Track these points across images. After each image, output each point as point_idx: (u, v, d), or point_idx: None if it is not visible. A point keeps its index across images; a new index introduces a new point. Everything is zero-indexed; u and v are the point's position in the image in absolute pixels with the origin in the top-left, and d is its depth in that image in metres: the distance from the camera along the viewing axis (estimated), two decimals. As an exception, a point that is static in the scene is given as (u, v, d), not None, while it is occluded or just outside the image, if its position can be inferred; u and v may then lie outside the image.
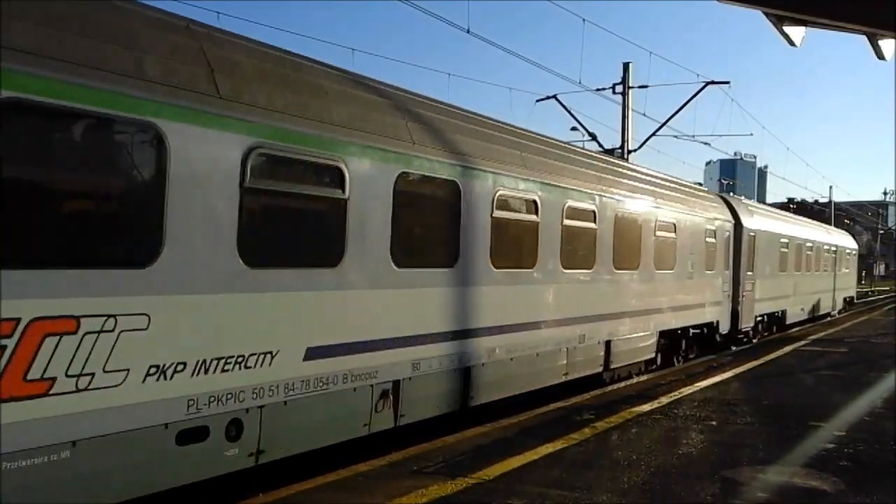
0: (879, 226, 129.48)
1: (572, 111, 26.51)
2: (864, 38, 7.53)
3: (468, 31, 17.11)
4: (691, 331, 17.58)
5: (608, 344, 13.28)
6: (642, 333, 14.65)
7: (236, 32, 7.39)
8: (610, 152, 23.95)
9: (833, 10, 7.16)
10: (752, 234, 21.40)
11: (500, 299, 10.20)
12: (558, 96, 25.64)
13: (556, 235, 11.46)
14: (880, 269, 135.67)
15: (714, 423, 10.42)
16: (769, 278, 23.29)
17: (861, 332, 26.65)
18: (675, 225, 16.00)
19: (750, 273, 21.11)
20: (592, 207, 12.57)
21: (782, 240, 25.22)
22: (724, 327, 19.54)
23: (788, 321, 26.55)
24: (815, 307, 30.96)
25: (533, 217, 10.95)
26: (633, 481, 7.47)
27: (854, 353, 19.76)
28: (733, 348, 20.57)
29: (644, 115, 26.43)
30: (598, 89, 25.74)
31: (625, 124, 25.70)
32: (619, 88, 25.84)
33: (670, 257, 15.81)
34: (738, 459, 8.42)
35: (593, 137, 26.51)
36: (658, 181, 16.33)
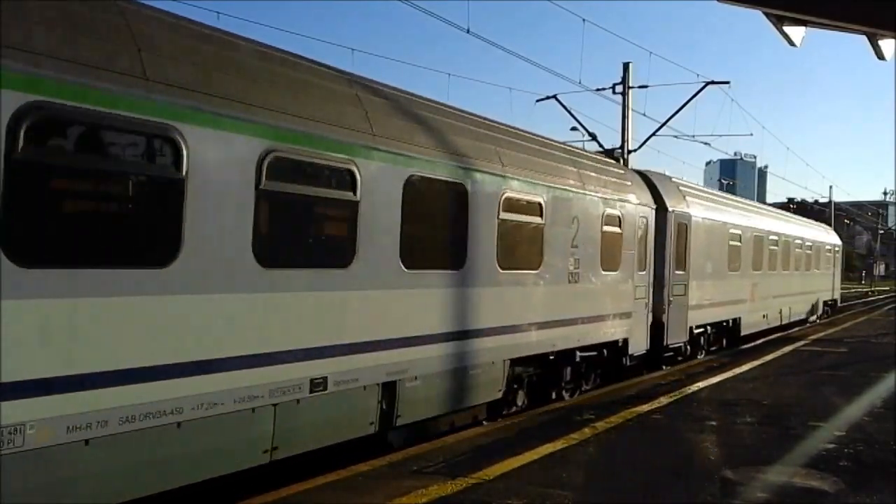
0: (879, 226, 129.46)
1: (572, 111, 26.50)
2: (864, 38, 7.53)
3: (468, 31, 17.13)
4: (580, 354, 12.56)
5: (388, 388, 8.42)
6: (472, 363, 9.81)
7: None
8: (610, 152, 23.94)
9: (833, 10, 7.16)
10: (683, 222, 16.97)
11: None
12: (558, 96, 25.60)
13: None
14: (880, 269, 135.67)
15: (714, 423, 10.42)
16: (713, 279, 18.70)
17: (861, 332, 26.63)
18: (540, 205, 11.12)
19: (681, 273, 16.73)
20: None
21: (733, 231, 20.39)
22: (638, 346, 14.72)
23: (744, 331, 21.51)
24: (785, 313, 26.23)
25: None
26: (633, 481, 7.47)
27: (854, 353, 19.75)
28: (656, 372, 16.00)
29: (644, 115, 26.44)
30: (598, 89, 25.75)
31: (625, 124, 25.69)
32: (619, 88, 25.82)
33: (531, 252, 11.03)
34: (738, 459, 8.42)
35: (593, 137, 26.50)
36: (504, 134, 11.14)
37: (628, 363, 14.49)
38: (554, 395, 12.28)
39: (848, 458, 8.62)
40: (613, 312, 13.54)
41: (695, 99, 25.20)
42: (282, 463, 7.28)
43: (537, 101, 26.84)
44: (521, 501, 6.73)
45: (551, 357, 11.69)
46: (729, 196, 24.25)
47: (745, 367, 16.13)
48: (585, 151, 15.42)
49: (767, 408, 11.67)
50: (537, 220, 11.07)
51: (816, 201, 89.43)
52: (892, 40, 7.57)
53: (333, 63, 8.65)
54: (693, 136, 28.79)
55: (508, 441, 8.96)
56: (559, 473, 7.64)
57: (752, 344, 21.52)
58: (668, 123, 25.56)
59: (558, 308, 11.64)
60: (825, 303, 34.36)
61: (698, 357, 18.20)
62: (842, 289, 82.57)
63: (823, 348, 20.56)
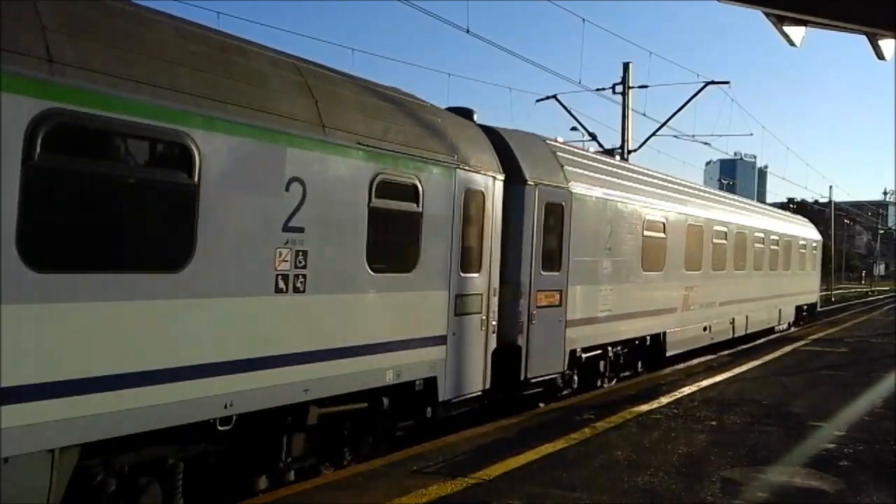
0: (879, 226, 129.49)
1: (572, 111, 26.47)
2: (864, 38, 7.53)
3: (468, 31, 17.11)
4: (317, 413, 7.70)
5: None
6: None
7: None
8: (610, 152, 23.95)
9: (833, 10, 7.15)
10: (555, 202, 11.75)
11: None
12: (558, 96, 25.60)
13: None
14: (880, 269, 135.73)
15: (714, 423, 10.42)
16: (615, 283, 13.60)
17: (861, 332, 26.63)
18: (197, 165, 6.20)
19: (553, 274, 11.64)
20: None
21: (651, 217, 15.12)
22: (463, 386, 9.77)
23: (672, 350, 16.40)
24: (739, 323, 20.92)
25: None
26: (633, 481, 7.47)
27: (854, 352, 19.75)
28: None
29: (644, 115, 26.44)
30: (598, 89, 25.78)
31: (625, 124, 25.71)
32: (619, 88, 25.86)
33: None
34: (738, 459, 8.43)
35: (593, 137, 26.53)
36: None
37: (442, 414, 9.37)
38: None
39: (848, 458, 8.62)
40: (401, 338, 8.44)
41: (695, 99, 25.26)
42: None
43: (537, 101, 26.88)
44: (522, 501, 6.73)
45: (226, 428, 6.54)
46: (647, 171, 17.03)
47: (744, 367, 16.13)
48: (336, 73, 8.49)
49: (767, 408, 11.67)
50: (186, 181, 6.10)
51: (816, 201, 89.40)
52: (892, 40, 7.56)
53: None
54: (693, 136, 28.83)
55: (508, 441, 8.96)
56: (559, 473, 7.64)
57: (752, 344, 21.51)
58: (668, 123, 25.61)
59: (242, 341, 6.61)
60: (801, 308, 29.21)
61: (602, 387, 13.55)
62: (842, 289, 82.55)
63: (823, 348, 20.56)
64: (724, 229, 19.48)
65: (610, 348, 13.74)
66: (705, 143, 35.09)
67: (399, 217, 8.53)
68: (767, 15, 7.26)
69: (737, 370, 15.69)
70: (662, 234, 15.71)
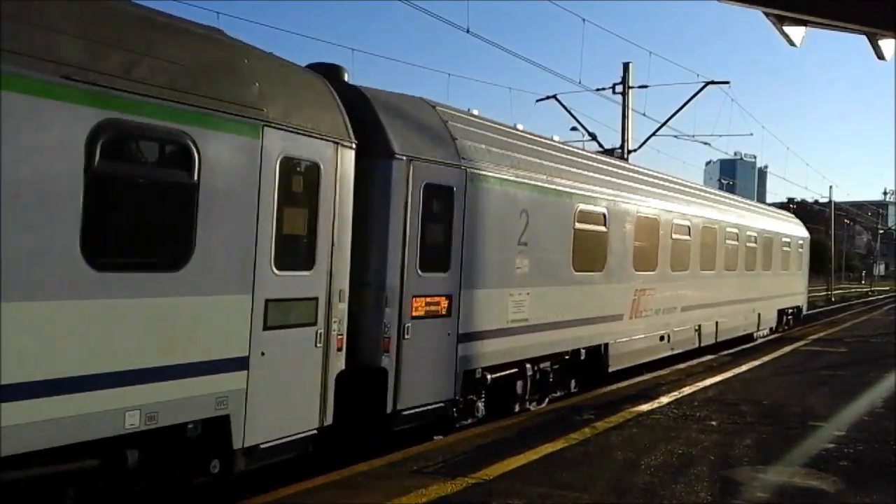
0: (879, 226, 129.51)
1: (572, 111, 26.45)
2: (864, 38, 7.53)
3: (468, 31, 17.11)
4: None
5: None
6: None
7: None
8: (610, 152, 23.95)
9: (833, 10, 7.16)
10: (442, 184, 9.35)
11: None
12: (558, 96, 25.59)
13: None
14: (880, 269, 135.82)
15: (714, 423, 10.42)
16: (537, 285, 11.10)
17: (861, 332, 26.64)
18: None
19: (437, 276, 9.24)
20: None
21: (586, 207, 12.46)
22: (257, 431, 6.91)
23: (616, 365, 13.76)
24: (707, 331, 18.33)
25: None
26: (633, 481, 7.47)
27: (854, 352, 19.75)
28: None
29: (644, 115, 26.42)
30: (598, 89, 25.77)
31: (625, 124, 25.70)
32: (619, 88, 25.84)
33: None
34: (738, 459, 8.43)
35: (593, 137, 26.52)
36: None
37: (244, 467, 6.85)
38: None
39: (848, 458, 8.62)
40: (154, 364, 5.99)
41: (695, 99, 25.24)
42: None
43: (537, 101, 26.87)
44: (522, 501, 6.73)
45: None
46: (583, 152, 14.92)
47: (744, 367, 16.13)
48: None
49: (767, 407, 11.67)
50: None
51: (816, 201, 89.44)
52: (892, 40, 7.56)
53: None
54: (693, 136, 28.82)
55: (508, 441, 8.96)
56: (559, 473, 7.64)
57: (752, 344, 21.52)
58: (668, 123, 25.61)
59: None
60: (785, 312, 26.64)
61: (524, 411, 11.19)
62: (842, 289, 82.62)
63: (823, 348, 20.56)
64: (687, 223, 16.82)
65: (529, 365, 11.14)
66: (705, 143, 35.11)
67: (153, 189, 6.14)
68: (767, 15, 7.26)
69: (737, 370, 15.69)
70: (602, 228, 13.02)
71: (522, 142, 11.68)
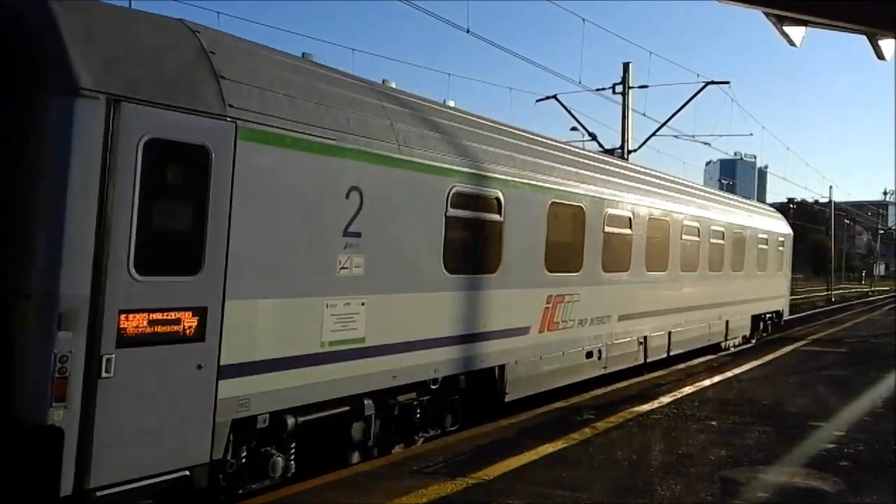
0: (879, 226, 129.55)
1: (572, 111, 26.45)
2: (864, 38, 7.53)
3: (468, 31, 17.11)
4: None
5: None
6: None
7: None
8: (610, 152, 23.95)
9: (833, 10, 7.15)
10: (175, 140, 6.25)
11: None
12: (558, 96, 25.58)
13: None
14: (880, 269, 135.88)
15: (714, 423, 10.42)
16: (378, 291, 8.25)
17: (861, 332, 26.65)
18: None
19: (180, 280, 6.29)
20: None
21: (461, 188, 9.51)
22: None
23: (517, 392, 10.85)
24: (655, 344, 15.26)
25: None
26: (633, 481, 7.47)
27: (854, 353, 19.75)
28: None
29: (644, 115, 26.41)
30: (598, 89, 25.76)
31: (625, 124, 25.70)
32: (619, 88, 25.84)
33: None
34: (738, 459, 8.43)
35: (593, 137, 26.52)
36: None
37: None
38: None
39: (848, 458, 8.62)
40: None
41: (695, 99, 25.22)
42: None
43: (537, 101, 26.87)
44: (522, 501, 6.73)
45: None
46: (471, 116, 10.84)
47: (744, 367, 16.12)
48: None
49: (767, 407, 11.68)
50: None
51: (816, 201, 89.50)
52: (892, 40, 7.56)
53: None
54: (693, 136, 28.79)
55: (508, 441, 8.96)
56: (559, 473, 7.64)
57: (752, 344, 21.52)
58: (668, 123, 25.60)
59: None
60: (762, 318, 23.32)
61: (368, 461, 8.36)
62: (842, 289, 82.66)
63: (823, 348, 20.56)
64: (627, 214, 13.63)
65: (371, 401, 8.24)
66: (705, 143, 35.09)
67: None
68: (767, 15, 7.26)
69: (737, 370, 15.69)
70: (495, 216, 9.99)
71: (362, 94, 8.38)
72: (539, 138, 12.25)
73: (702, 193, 19.27)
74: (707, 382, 13.94)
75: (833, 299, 62.22)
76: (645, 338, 14.76)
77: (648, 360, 15.07)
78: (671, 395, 12.47)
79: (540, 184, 11.02)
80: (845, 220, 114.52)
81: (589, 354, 12.59)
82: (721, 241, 18.73)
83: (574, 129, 27.50)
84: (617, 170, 14.47)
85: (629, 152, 25.46)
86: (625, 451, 8.65)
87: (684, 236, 16.35)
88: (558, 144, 13.14)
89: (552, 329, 11.42)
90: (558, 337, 11.58)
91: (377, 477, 7.41)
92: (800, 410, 11.44)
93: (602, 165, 13.88)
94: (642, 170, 16.48)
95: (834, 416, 11.04)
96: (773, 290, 23.98)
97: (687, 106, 25.17)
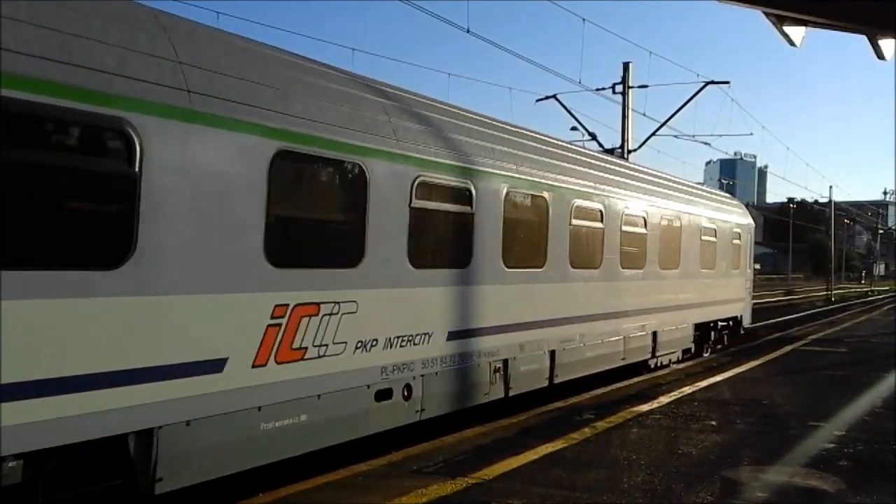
0: (879, 226, 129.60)
1: (572, 111, 26.46)
2: (864, 38, 7.54)
3: (468, 31, 17.12)
4: None
5: None
6: None
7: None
8: (610, 152, 23.96)
9: (833, 10, 7.16)
10: None
11: None
12: (558, 96, 25.61)
13: None
14: (880, 268, 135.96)
15: (714, 423, 10.42)
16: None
17: (861, 332, 26.64)
18: None
19: None
20: None
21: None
22: None
23: (177, 478, 6.18)
24: (529, 370, 11.02)
25: None
26: (633, 481, 7.47)
27: (854, 352, 19.74)
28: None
29: (644, 115, 26.49)
30: (598, 89, 25.79)
31: (625, 124, 25.72)
32: (619, 88, 25.87)
33: None
34: (738, 459, 8.42)
35: (593, 137, 26.54)
36: None
37: None
38: None
39: (848, 458, 8.62)
40: None
41: (695, 99, 25.26)
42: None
43: (537, 101, 26.88)
44: (521, 501, 6.73)
45: None
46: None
47: (744, 367, 16.12)
48: None
49: (767, 407, 11.67)
50: None
51: (816, 201, 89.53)
52: (892, 40, 7.57)
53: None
54: (693, 136, 28.83)
55: (508, 441, 8.96)
56: (559, 473, 7.64)
57: (752, 343, 21.51)
58: (668, 123, 25.63)
59: None
60: (713, 326, 19.19)
61: None
62: (842, 288, 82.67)
63: (823, 348, 20.55)
64: (466, 185, 9.48)
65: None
66: (705, 143, 35.12)
67: None
68: (767, 15, 7.28)
69: (737, 370, 15.68)
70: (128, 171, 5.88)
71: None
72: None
73: (607, 165, 14.28)
74: (707, 382, 13.94)
75: (833, 299, 62.22)
76: (504, 362, 10.38)
77: (511, 392, 10.56)
78: (671, 395, 12.47)
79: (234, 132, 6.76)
80: (845, 220, 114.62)
81: (383, 394, 8.39)
82: (641, 230, 14.48)
83: (574, 128, 27.55)
84: (444, 111, 10.07)
85: (629, 152, 25.48)
86: (625, 450, 8.65)
87: (575, 222, 12.01)
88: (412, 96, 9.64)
89: (286, 360, 7.15)
90: (299, 373, 7.30)
91: (377, 477, 7.40)
92: (800, 410, 11.43)
93: (458, 119, 10.14)
94: (500, 124, 11.36)
95: (834, 415, 11.04)
96: (726, 293, 19.73)
97: (687, 106, 25.22)
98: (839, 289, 77.27)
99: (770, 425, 10.31)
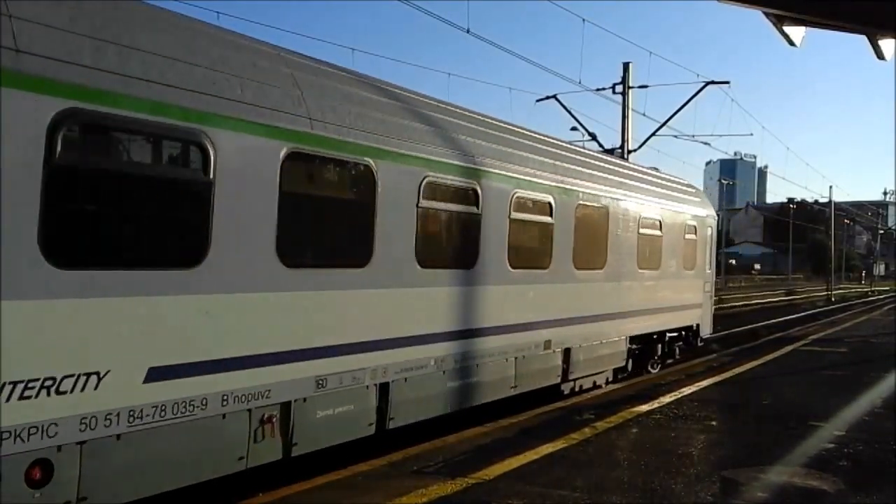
0: (879, 226, 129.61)
1: (572, 111, 26.46)
2: (864, 38, 7.54)
3: (468, 31, 17.13)
4: None
5: None
6: None
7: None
8: (610, 152, 23.96)
9: (833, 10, 7.16)
10: None
11: None
12: (558, 96, 25.60)
13: None
14: (880, 269, 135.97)
15: (714, 423, 10.42)
16: None
17: (861, 332, 26.64)
18: None
19: None
20: None
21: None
22: None
23: None
24: (366, 405, 7.98)
25: None
26: (633, 481, 7.46)
27: (854, 353, 19.74)
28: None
29: (644, 115, 26.50)
30: (598, 89, 25.79)
31: (625, 124, 25.72)
32: (619, 88, 25.87)
33: None
34: (738, 459, 8.42)
35: (593, 137, 26.54)
36: None
37: None
38: None
39: (848, 458, 8.62)
40: None
41: (695, 99, 25.25)
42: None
43: (537, 101, 26.88)
44: (521, 501, 6.73)
45: None
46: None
47: (745, 367, 16.12)
48: None
49: (767, 407, 11.67)
50: None
51: (816, 201, 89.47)
52: (892, 40, 7.57)
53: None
54: (693, 136, 28.83)
55: (508, 441, 8.96)
56: (559, 473, 7.64)
57: (753, 343, 21.51)
58: (668, 123, 25.62)
59: None
60: (659, 339, 15.70)
61: None
62: (842, 289, 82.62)
63: (823, 348, 20.55)
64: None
65: None
66: (705, 143, 35.12)
67: None
68: (767, 15, 7.28)
69: (737, 370, 15.68)
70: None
71: None
72: None
73: (494, 131, 10.51)
74: (707, 382, 13.94)
75: (833, 299, 62.23)
76: (278, 409, 7.05)
77: (289, 451, 7.19)
78: (671, 395, 12.47)
79: None
80: (845, 220, 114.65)
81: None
82: (546, 219, 11.11)
83: (574, 129, 27.55)
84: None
85: (629, 152, 25.48)
86: (625, 451, 8.65)
87: (446, 204, 9.07)
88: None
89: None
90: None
91: (377, 477, 7.40)
92: (800, 410, 11.43)
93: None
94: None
95: (834, 415, 11.04)
96: (677, 297, 16.19)
97: (687, 106, 25.20)
98: (839, 289, 77.28)
99: (770, 425, 10.31)
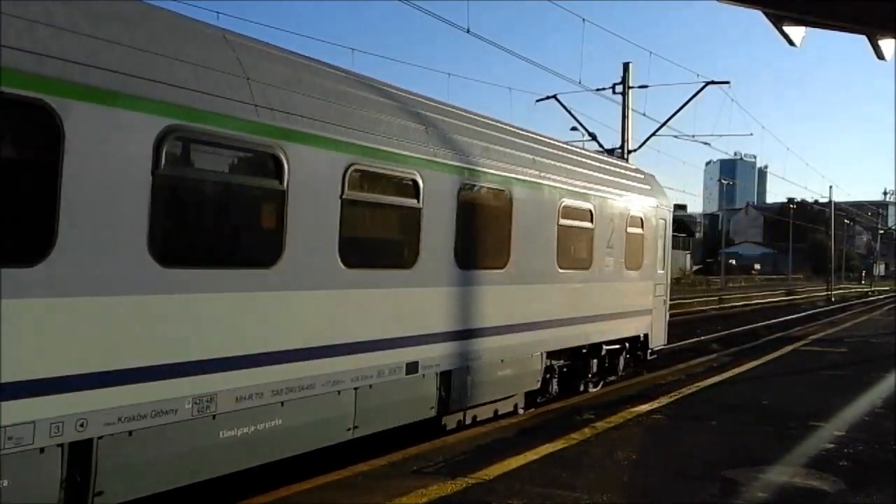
0: (879, 226, 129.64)
1: (572, 111, 26.44)
2: (864, 38, 7.54)
3: (468, 31, 17.13)
4: None
5: None
6: None
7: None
8: (610, 152, 23.96)
9: (833, 10, 7.16)
10: None
11: None
12: (558, 96, 25.59)
13: None
14: (880, 269, 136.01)
15: (714, 423, 10.42)
16: None
17: (861, 332, 26.64)
18: None
19: None
20: None
21: None
22: None
23: None
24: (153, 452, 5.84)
25: None
26: (633, 481, 7.47)
27: (854, 353, 19.74)
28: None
29: (644, 115, 26.48)
30: (598, 89, 25.79)
31: (625, 124, 25.71)
32: (619, 88, 25.86)
33: None
34: (738, 459, 8.42)
35: (593, 137, 26.53)
36: None
37: None
38: None
39: (848, 458, 8.62)
40: None
41: (695, 99, 25.25)
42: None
43: (537, 101, 26.88)
44: (522, 501, 6.73)
45: None
46: None
47: (745, 367, 16.13)
48: None
49: (767, 407, 11.67)
50: None
51: (816, 201, 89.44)
52: (892, 40, 7.57)
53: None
54: (693, 136, 28.83)
55: (508, 441, 8.96)
56: (559, 473, 7.64)
57: (753, 343, 21.51)
58: (668, 123, 25.63)
59: None
60: (593, 353, 12.89)
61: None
62: (842, 289, 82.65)
63: (823, 348, 20.55)
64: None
65: None
66: (705, 143, 35.11)
67: None
68: (767, 15, 7.27)
69: (737, 370, 15.69)
70: None
71: None
72: None
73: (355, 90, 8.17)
74: (707, 382, 13.94)
75: (833, 299, 62.24)
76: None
77: None
78: (671, 395, 12.47)
79: None
80: (845, 220, 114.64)
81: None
82: (410, 202, 8.52)
83: (574, 129, 27.55)
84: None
85: (629, 152, 25.47)
86: (625, 451, 8.65)
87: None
88: None
89: None
90: None
91: (377, 477, 7.40)
92: (800, 410, 11.42)
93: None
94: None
95: (834, 415, 11.04)
96: (616, 303, 13.38)
97: (687, 106, 25.21)
98: (839, 289, 77.27)
99: (770, 425, 10.31)
